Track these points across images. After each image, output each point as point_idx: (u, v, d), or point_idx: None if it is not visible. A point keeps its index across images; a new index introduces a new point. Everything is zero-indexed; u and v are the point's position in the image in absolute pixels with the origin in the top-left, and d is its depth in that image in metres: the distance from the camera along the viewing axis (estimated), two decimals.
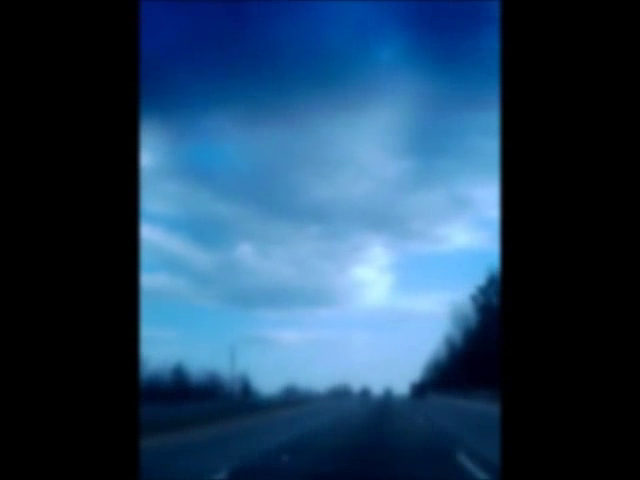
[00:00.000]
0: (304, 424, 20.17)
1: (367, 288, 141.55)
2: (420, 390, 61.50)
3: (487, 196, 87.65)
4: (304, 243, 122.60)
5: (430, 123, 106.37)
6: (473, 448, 10.28)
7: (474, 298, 60.01)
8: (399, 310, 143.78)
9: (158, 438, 14.42)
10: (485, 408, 25.16)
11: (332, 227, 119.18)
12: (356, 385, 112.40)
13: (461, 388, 60.22)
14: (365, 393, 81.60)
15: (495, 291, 53.36)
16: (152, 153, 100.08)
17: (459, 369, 66.30)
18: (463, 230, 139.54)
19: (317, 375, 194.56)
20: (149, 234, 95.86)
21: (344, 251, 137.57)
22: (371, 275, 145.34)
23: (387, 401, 49.17)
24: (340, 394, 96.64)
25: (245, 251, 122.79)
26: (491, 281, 55.46)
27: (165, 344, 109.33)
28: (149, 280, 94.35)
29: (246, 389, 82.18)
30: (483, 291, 58.09)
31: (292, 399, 65.32)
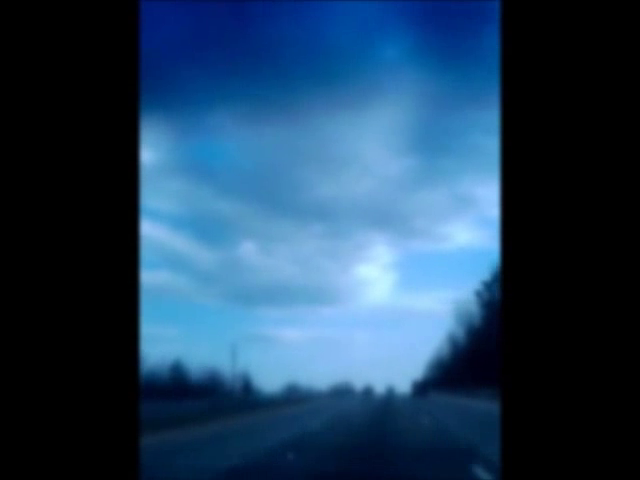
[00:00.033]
0: (304, 424, 19.83)
1: (370, 286, 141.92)
2: (422, 388, 61.37)
3: (490, 195, 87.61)
4: (307, 241, 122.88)
5: (433, 122, 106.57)
6: (489, 457, 8.78)
7: (479, 294, 60.06)
8: (401, 308, 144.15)
9: (158, 436, 14.30)
10: (490, 407, 24.79)
11: (335, 225, 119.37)
12: (358, 383, 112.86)
13: (464, 386, 60.10)
14: (368, 392, 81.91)
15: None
16: (155, 150, 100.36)
17: (462, 367, 66.25)
18: (466, 229, 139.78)
19: (319, 373, 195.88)
20: (152, 231, 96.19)
21: (347, 249, 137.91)
22: (374, 273, 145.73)
23: (389, 400, 49.07)
24: (342, 392, 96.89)
25: (248, 249, 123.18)
26: (496, 277, 55.15)
27: (167, 342, 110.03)
28: (151, 277, 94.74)
29: (247, 387, 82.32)
30: (488, 287, 57.82)
31: (293, 397, 65.45)
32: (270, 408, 34.44)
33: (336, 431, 15.98)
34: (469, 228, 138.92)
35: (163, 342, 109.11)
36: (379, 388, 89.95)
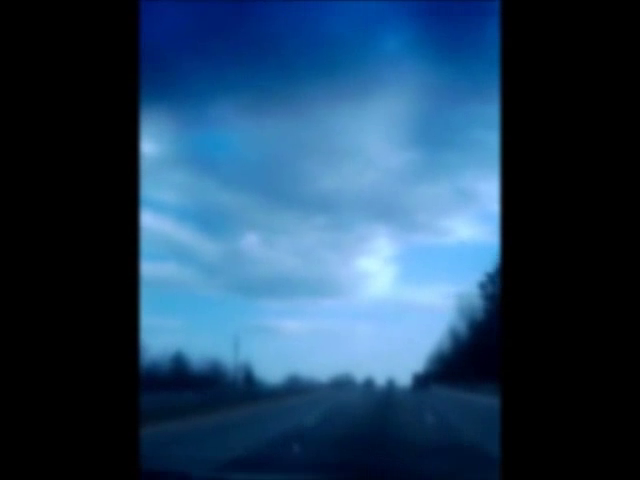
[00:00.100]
0: (302, 416, 19.80)
1: (371, 279, 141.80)
2: (423, 382, 61.30)
3: (491, 189, 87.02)
4: (309, 233, 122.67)
5: (436, 115, 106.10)
6: (494, 455, 8.27)
7: (483, 286, 59.81)
8: (403, 301, 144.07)
9: (159, 426, 14.29)
10: (492, 402, 24.69)
11: (337, 217, 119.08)
12: (359, 375, 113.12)
13: (466, 380, 60.03)
14: (369, 384, 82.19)
15: None
16: (159, 142, 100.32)
17: (463, 361, 66.27)
18: (467, 223, 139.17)
19: (320, 365, 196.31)
20: (158, 224, 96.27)
21: (349, 242, 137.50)
22: (375, 266, 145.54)
23: (390, 392, 49.09)
24: (342, 384, 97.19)
25: (251, 241, 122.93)
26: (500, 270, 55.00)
27: (171, 333, 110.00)
28: (158, 270, 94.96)
29: (249, 378, 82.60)
30: (492, 279, 57.71)
31: (295, 388, 65.68)
32: (271, 399, 34.43)
33: (335, 423, 15.93)
34: (471, 222, 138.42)
35: (167, 333, 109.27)
36: (380, 381, 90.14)
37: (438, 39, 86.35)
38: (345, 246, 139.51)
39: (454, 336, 74.44)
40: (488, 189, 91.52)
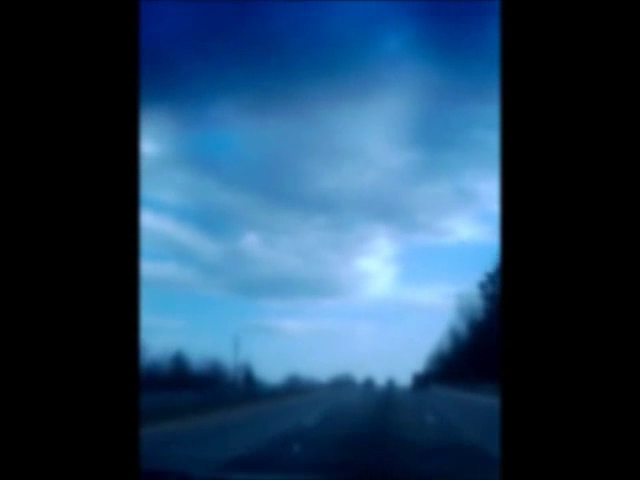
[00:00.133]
0: (301, 416, 19.75)
1: (371, 279, 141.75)
2: (423, 382, 61.14)
3: (492, 190, 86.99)
4: (310, 233, 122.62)
5: (436, 115, 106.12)
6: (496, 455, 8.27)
7: (483, 286, 59.77)
8: (403, 302, 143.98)
9: (159, 426, 14.28)
10: (492, 402, 24.68)
11: (337, 217, 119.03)
12: (359, 375, 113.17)
13: (466, 380, 59.96)
14: (369, 384, 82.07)
15: None
16: (159, 142, 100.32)
17: (464, 361, 66.16)
18: (467, 223, 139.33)
19: (320, 365, 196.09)
20: (158, 224, 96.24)
21: (349, 242, 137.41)
22: (375, 266, 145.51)
23: (390, 392, 49.05)
24: (342, 384, 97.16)
25: (251, 241, 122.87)
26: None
27: (172, 333, 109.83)
28: (158, 270, 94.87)
29: (249, 378, 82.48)
30: (492, 279, 57.67)
31: (294, 388, 65.65)
32: (269, 399, 34.36)
33: (335, 423, 15.88)
34: (471, 223, 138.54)
35: (168, 333, 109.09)
36: (380, 381, 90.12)
37: (438, 39, 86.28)
38: (345, 246, 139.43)
39: (454, 336, 74.41)
40: (488, 189, 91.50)
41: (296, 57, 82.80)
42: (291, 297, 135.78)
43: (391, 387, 72.21)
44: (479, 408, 23.29)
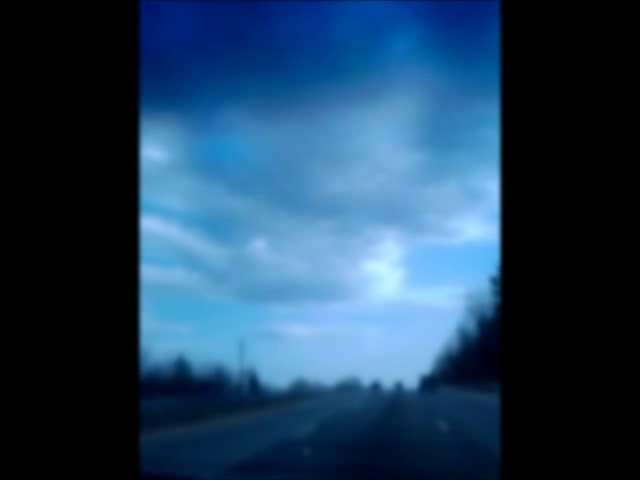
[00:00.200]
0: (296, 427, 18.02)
1: (379, 282, 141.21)
2: (430, 383, 59.53)
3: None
4: (316, 237, 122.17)
5: (444, 116, 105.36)
6: None
7: (494, 281, 58.39)
8: (410, 304, 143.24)
9: (156, 432, 14.02)
10: None
11: (344, 221, 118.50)
12: (366, 379, 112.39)
13: (477, 381, 58.30)
14: (376, 387, 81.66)
15: None
16: (167, 149, 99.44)
17: (473, 361, 64.89)
18: (475, 223, 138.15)
19: (327, 369, 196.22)
20: (165, 229, 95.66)
21: (356, 245, 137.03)
22: (383, 269, 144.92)
23: (398, 396, 47.43)
24: (349, 388, 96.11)
25: (258, 246, 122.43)
26: None
27: (179, 338, 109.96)
28: (165, 275, 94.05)
29: (253, 383, 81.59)
30: None
31: (300, 393, 64.75)
32: (270, 405, 32.82)
33: (339, 432, 14.16)
34: (479, 223, 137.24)
35: (175, 339, 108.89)
36: (387, 384, 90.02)
37: (446, 40, 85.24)
38: (353, 250, 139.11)
39: (463, 336, 73.15)
40: (496, 188, 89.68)
41: (303, 62, 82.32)
42: (298, 302, 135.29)
43: (399, 390, 71.04)
44: (492, 409, 21.42)
